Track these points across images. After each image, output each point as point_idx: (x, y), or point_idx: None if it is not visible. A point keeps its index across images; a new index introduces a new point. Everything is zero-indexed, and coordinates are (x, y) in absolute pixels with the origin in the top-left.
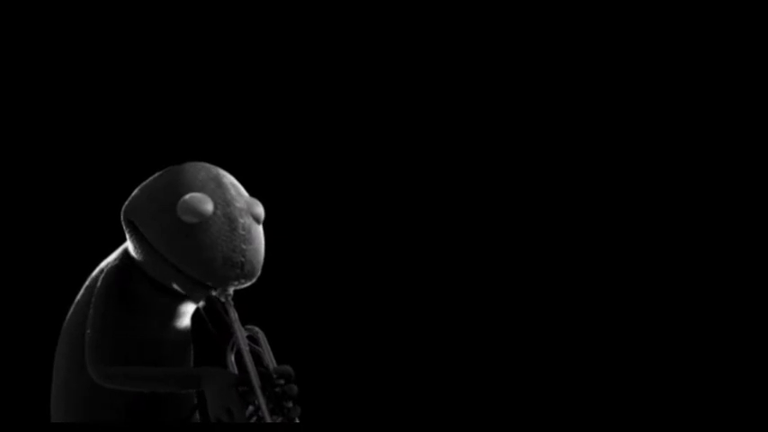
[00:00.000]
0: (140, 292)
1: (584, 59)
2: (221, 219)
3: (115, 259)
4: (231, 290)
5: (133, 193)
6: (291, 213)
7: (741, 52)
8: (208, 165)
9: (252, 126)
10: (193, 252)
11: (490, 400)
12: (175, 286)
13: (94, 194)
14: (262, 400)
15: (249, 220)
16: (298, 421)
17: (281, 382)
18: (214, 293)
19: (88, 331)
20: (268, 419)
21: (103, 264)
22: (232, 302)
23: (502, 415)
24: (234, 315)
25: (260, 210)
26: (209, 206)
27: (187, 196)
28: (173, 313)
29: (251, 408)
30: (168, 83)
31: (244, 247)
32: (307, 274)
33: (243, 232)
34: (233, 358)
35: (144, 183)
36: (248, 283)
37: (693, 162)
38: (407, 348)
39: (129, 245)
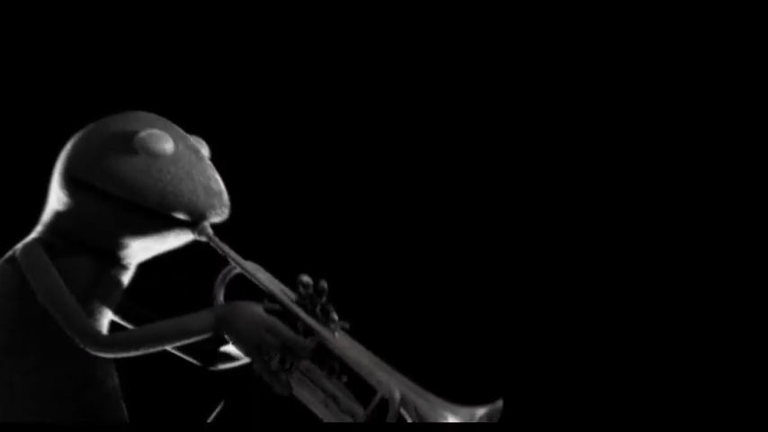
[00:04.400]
0: (71, 260)
1: (584, 59)
2: (186, 150)
3: (24, 241)
4: (209, 228)
5: (69, 152)
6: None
7: (741, 52)
8: (140, 111)
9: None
10: (171, 186)
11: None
12: (137, 242)
13: None
14: (303, 315)
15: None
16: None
17: (319, 297)
18: (193, 234)
19: (54, 313)
20: (324, 332)
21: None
22: (216, 237)
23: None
24: (227, 247)
25: (206, 148)
26: (169, 140)
27: (143, 133)
28: (109, 278)
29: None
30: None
31: (216, 176)
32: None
33: (209, 162)
34: (222, 296)
35: (75, 139)
36: (226, 217)
37: (695, 162)
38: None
39: (58, 214)
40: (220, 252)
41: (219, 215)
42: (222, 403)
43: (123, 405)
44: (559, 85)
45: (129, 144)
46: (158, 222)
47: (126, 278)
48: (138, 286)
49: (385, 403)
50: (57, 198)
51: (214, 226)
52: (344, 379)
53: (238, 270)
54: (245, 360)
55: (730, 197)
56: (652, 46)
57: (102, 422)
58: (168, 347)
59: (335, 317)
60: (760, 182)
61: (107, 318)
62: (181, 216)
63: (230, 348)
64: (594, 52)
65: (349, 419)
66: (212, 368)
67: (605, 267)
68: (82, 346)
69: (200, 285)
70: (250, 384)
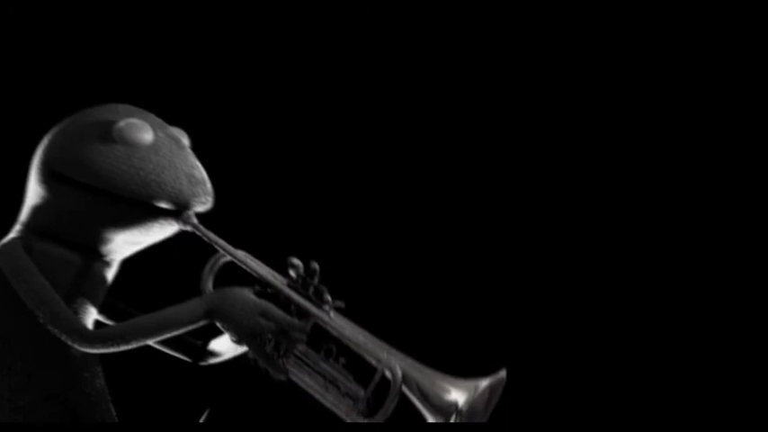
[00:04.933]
0: (53, 258)
1: (585, 60)
2: (166, 139)
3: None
4: (194, 217)
5: (46, 146)
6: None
7: (741, 52)
8: (118, 104)
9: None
10: (153, 175)
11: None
12: (120, 236)
13: None
14: (297, 297)
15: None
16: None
17: (311, 278)
18: (177, 223)
19: (39, 313)
20: (318, 313)
21: None
22: (201, 226)
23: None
24: (214, 235)
25: (187, 138)
26: (149, 129)
27: (121, 123)
28: (93, 275)
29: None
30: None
31: (199, 165)
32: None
33: (190, 151)
34: (210, 286)
35: (53, 133)
36: (210, 206)
37: (699, 163)
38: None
39: (38, 210)
40: (206, 240)
41: (204, 204)
42: (208, 410)
43: (111, 405)
44: (559, 79)
45: (107, 134)
46: (142, 213)
47: (110, 275)
48: (122, 283)
49: (386, 382)
50: (35, 194)
51: (198, 216)
52: (342, 361)
53: (226, 259)
54: (235, 354)
55: (730, 197)
56: (652, 46)
57: (91, 423)
58: (159, 339)
59: (329, 297)
60: (760, 182)
61: (92, 316)
62: (164, 205)
63: (219, 343)
64: (595, 52)
65: (349, 402)
66: (203, 363)
67: (602, 245)
68: (70, 343)
69: (186, 282)
70: (245, 373)
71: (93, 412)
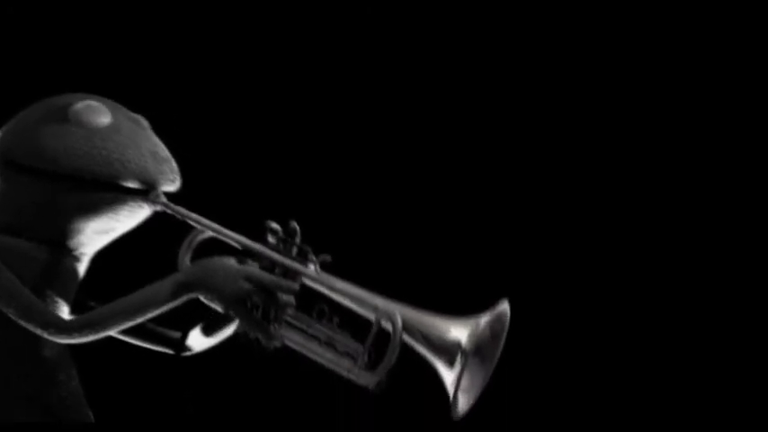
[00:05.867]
0: (18, 255)
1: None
2: (126, 120)
3: None
4: (163, 195)
5: (2, 138)
6: None
7: (741, 52)
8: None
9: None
10: (116, 154)
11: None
12: (88, 225)
13: None
14: (281, 258)
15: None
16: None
17: (292, 239)
18: (146, 203)
19: (10, 308)
20: (305, 270)
21: None
22: (172, 204)
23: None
24: (186, 211)
25: (147, 123)
26: (107, 111)
27: (78, 105)
28: (62, 272)
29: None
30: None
31: (162, 145)
32: None
33: (152, 132)
34: (188, 262)
35: (8, 124)
36: (179, 186)
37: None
38: None
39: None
40: (180, 217)
41: (172, 182)
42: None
43: (87, 406)
44: (559, 73)
45: (64, 118)
46: (108, 196)
47: (80, 271)
48: (94, 279)
49: (384, 335)
50: None
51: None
52: (336, 320)
53: (203, 236)
54: (220, 338)
55: (731, 196)
56: (652, 46)
57: (67, 424)
58: (139, 321)
59: (314, 256)
60: (760, 182)
61: (63, 316)
62: (131, 184)
63: (201, 331)
64: (595, 51)
65: (350, 359)
66: (185, 354)
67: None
68: (46, 336)
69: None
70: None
71: (70, 413)
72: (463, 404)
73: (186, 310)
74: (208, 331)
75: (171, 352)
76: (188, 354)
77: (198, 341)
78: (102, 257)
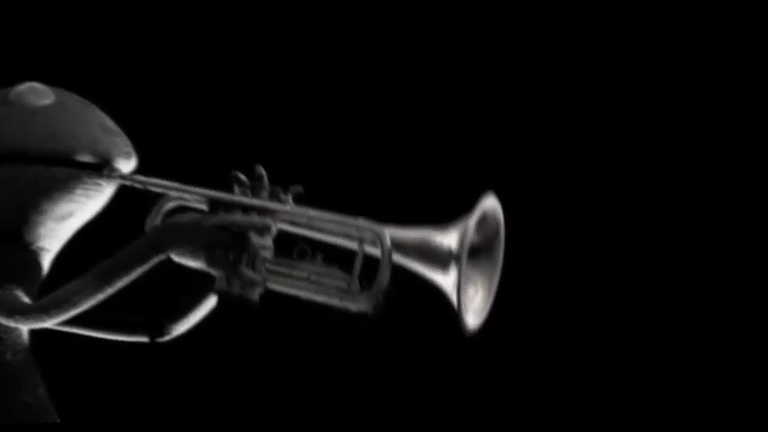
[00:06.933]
0: None
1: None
2: (71, 98)
3: None
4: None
5: None
6: None
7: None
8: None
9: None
10: (63, 127)
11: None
12: (43, 213)
13: None
14: (252, 200)
15: None
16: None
17: (259, 183)
18: (101, 179)
19: None
20: (278, 206)
21: None
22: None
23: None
24: (146, 178)
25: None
26: (50, 91)
27: (21, 87)
28: (20, 270)
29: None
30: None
31: (109, 118)
32: None
33: (98, 109)
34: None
35: None
36: (135, 160)
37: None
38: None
39: None
40: (141, 186)
41: (126, 156)
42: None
43: (55, 414)
44: (559, 73)
45: (5, 101)
46: (60, 173)
47: (42, 267)
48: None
49: (373, 261)
50: None
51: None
52: (320, 256)
53: (171, 204)
54: (198, 317)
55: (731, 196)
56: (654, 45)
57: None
58: (109, 292)
59: (285, 194)
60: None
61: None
62: (83, 158)
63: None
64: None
65: (339, 294)
66: (164, 339)
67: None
68: (13, 324)
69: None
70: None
71: (36, 422)
72: (474, 315)
73: (157, 293)
74: (186, 308)
75: (146, 340)
76: (167, 338)
77: (176, 321)
78: (64, 256)
